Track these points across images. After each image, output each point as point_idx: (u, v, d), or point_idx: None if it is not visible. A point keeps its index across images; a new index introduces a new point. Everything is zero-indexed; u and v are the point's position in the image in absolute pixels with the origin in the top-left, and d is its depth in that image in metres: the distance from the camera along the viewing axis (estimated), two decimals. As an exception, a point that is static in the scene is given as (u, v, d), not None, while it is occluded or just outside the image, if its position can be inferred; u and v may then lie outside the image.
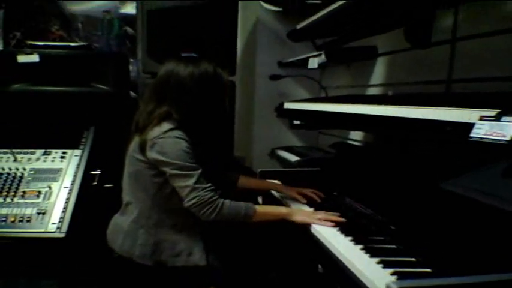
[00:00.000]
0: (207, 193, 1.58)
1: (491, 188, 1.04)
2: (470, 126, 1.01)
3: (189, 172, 1.58)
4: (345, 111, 1.78)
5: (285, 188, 2.03)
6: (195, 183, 1.57)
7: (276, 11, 3.22)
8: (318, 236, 1.52)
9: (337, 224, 1.56)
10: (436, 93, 1.86)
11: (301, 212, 1.71)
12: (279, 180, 2.25)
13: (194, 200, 1.56)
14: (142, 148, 1.66)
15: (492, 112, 0.99)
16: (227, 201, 1.62)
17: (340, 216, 1.61)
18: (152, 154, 1.62)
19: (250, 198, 2.06)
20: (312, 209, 1.79)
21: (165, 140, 1.61)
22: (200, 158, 1.64)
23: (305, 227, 1.63)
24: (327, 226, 1.56)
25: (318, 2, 2.36)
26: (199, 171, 1.60)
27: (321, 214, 1.63)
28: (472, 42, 1.70)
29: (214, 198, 1.59)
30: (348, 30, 2.43)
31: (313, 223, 1.60)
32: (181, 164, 1.58)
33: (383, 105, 1.50)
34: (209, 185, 1.61)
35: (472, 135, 0.98)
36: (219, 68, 1.74)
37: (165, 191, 1.66)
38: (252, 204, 1.67)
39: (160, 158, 1.60)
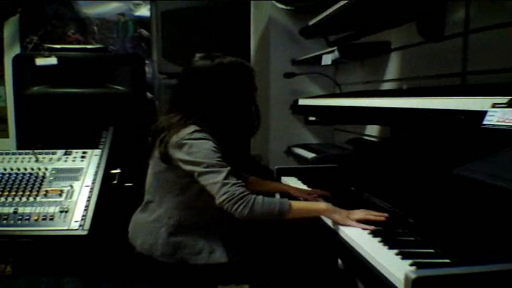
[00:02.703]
0: (237, 188, 1.54)
1: (509, 174, 1.04)
2: (483, 114, 1.02)
3: (219, 169, 1.56)
4: (360, 105, 1.79)
5: (296, 190, 2.01)
6: (225, 178, 1.54)
7: (288, 10, 3.24)
8: (336, 229, 1.53)
9: (375, 227, 1.46)
10: (450, 86, 1.86)
11: (340, 211, 1.58)
12: (296, 177, 2.26)
13: (225, 196, 1.52)
14: (164, 156, 1.66)
15: (504, 99, 0.99)
16: (260, 196, 1.56)
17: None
18: (180, 155, 1.61)
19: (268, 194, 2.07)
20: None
21: (192, 141, 1.61)
22: (226, 158, 1.63)
23: (321, 221, 1.63)
24: (364, 229, 1.46)
25: (330, -2, 2.37)
26: (228, 168, 1.58)
27: (359, 214, 1.54)
28: (485, 34, 1.70)
29: (245, 193, 1.54)
30: (361, 25, 2.43)
31: (351, 225, 1.50)
32: (209, 162, 1.57)
33: (396, 98, 1.51)
34: (239, 181, 1.58)
35: (484, 122, 0.99)
36: (237, 58, 1.73)
37: (189, 192, 1.67)
38: (287, 199, 1.62)
39: (189, 158, 1.59)
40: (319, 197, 1.91)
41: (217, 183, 1.54)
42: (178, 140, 1.62)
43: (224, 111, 1.72)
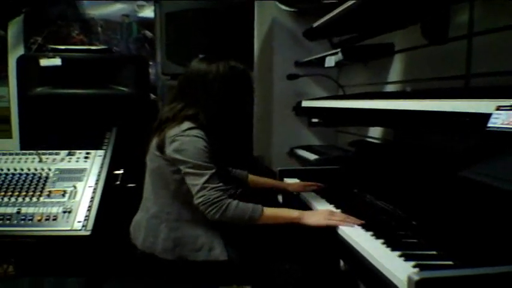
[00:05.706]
0: (214, 193, 1.60)
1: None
2: (487, 116, 1.01)
3: (202, 171, 1.62)
4: (363, 107, 1.79)
5: (290, 185, 2.08)
6: (205, 182, 1.60)
7: (291, 11, 3.24)
8: (339, 231, 1.53)
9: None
10: (454, 88, 1.86)
11: (314, 214, 1.67)
12: (299, 179, 2.26)
13: (201, 199, 1.60)
14: (160, 146, 1.70)
15: (508, 102, 0.99)
16: (234, 202, 1.62)
17: (361, 213, 1.59)
18: (171, 151, 1.66)
19: (269, 196, 2.09)
20: (331, 206, 1.77)
21: (184, 138, 1.66)
22: (217, 157, 1.68)
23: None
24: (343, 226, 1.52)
25: (334, 1, 2.37)
26: (213, 170, 1.63)
27: (339, 216, 1.59)
28: (489, 36, 1.70)
29: (220, 198, 1.60)
30: (365, 27, 2.43)
31: (329, 225, 1.56)
32: (195, 163, 1.62)
33: (400, 100, 1.51)
34: (219, 184, 1.63)
35: (489, 125, 0.99)
36: (246, 68, 1.79)
37: (185, 186, 1.69)
38: (261, 206, 1.66)
39: (177, 156, 1.65)
40: (314, 190, 1.98)
41: (197, 186, 1.61)
42: (171, 136, 1.67)
43: (223, 111, 1.76)
